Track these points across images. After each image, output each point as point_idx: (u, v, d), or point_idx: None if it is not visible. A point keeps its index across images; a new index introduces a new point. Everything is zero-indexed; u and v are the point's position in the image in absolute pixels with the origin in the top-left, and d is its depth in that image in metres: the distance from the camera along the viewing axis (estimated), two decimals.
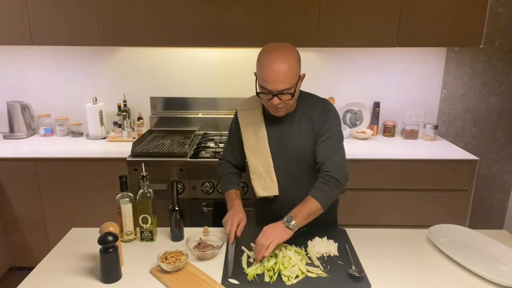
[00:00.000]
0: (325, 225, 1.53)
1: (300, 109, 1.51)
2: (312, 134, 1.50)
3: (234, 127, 1.64)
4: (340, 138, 1.51)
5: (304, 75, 1.45)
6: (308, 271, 1.25)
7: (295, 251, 1.33)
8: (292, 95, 1.40)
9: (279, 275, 1.23)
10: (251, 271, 1.23)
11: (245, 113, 1.60)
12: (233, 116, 1.68)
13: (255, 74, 1.46)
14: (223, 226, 1.56)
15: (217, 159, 1.76)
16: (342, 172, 1.44)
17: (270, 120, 1.54)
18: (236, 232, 1.41)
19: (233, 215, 1.46)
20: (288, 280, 1.20)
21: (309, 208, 1.36)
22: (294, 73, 1.38)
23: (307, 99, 1.53)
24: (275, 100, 1.39)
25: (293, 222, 1.32)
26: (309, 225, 1.56)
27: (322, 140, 1.47)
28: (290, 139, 1.51)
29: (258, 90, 1.43)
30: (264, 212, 1.64)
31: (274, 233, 1.29)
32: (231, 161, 1.68)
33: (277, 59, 1.35)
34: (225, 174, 1.66)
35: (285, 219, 1.33)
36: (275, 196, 1.54)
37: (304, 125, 1.50)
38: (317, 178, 1.45)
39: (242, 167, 1.70)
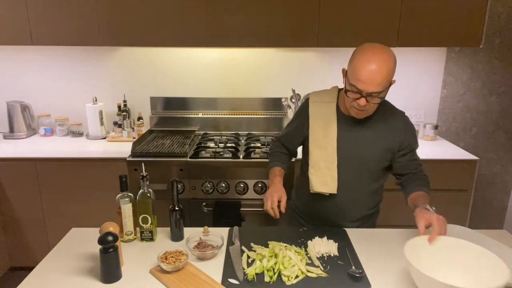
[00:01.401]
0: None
1: (377, 115, 1.46)
2: (385, 144, 1.48)
3: (301, 116, 1.59)
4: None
5: (394, 81, 1.39)
6: (308, 271, 1.25)
7: (295, 251, 1.33)
8: (382, 99, 1.37)
9: (279, 275, 1.23)
10: (251, 271, 1.23)
11: (317, 105, 1.55)
12: (301, 105, 1.66)
13: (343, 70, 1.44)
14: (223, 226, 1.56)
15: (272, 139, 1.79)
16: None
17: (343, 118, 1.50)
18: (280, 208, 1.44)
19: (273, 191, 1.47)
20: (288, 280, 1.20)
21: (428, 199, 1.41)
22: (389, 78, 1.34)
23: (386, 106, 1.49)
24: (362, 101, 1.33)
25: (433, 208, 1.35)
26: (310, 225, 1.56)
27: (407, 155, 1.51)
28: (361, 141, 1.48)
29: (347, 88, 1.38)
30: (313, 208, 1.62)
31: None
32: (285, 143, 1.69)
33: (375, 61, 1.30)
34: (275, 152, 1.69)
35: (427, 206, 1.34)
36: (330, 194, 1.52)
37: (379, 132, 1.47)
38: (418, 177, 1.50)
39: (293, 153, 1.72)
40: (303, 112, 1.59)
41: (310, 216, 1.66)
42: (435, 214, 1.27)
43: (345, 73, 1.43)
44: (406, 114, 1.55)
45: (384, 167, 1.53)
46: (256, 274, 1.23)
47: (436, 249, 1.22)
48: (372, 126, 1.48)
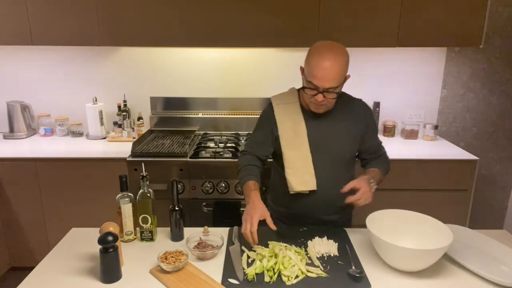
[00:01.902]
0: (339, 226, 1.57)
1: (339, 106, 1.54)
2: (352, 131, 1.55)
3: (267, 121, 1.60)
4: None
5: (349, 76, 1.47)
6: (308, 271, 1.25)
7: (295, 251, 1.33)
8: (338, 94, 1.44)
9: (279, 275, 1.23)
10: (251, 271, 1.23)
11: (282, 107, 1.58)
12: (263, 110, 1.66)
13: (301, 68, 1.50)
14: (223, 226, 1.56)
15: (240, 153, 1.68)
16: None
17: (309, 115, 1.55)
18: (269, 226, 1.36)
19: (252, 210, 1.35)
20: (288, 280, 1.20)
21: (380, 176, 1.54)
22: (343, 73, 1.41)
23: (343, 96, 1.57)
24: (319, 97, 1.41)
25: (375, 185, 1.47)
26: (309, 225, 1.56)
27: (372, 137, 1.63)
28: (329, 134, 1.54)
29: (304, 85, 1.45)
30: (293, 208, 1.60)
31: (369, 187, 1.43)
32: (256, 152, 1.61)
33: (329, 57, 1.38)
34: (245, 166, 1.58)
35: (371, 180, 1.46)
36: (309, 191, 1.53)
37: (342, 122, 1.54)
38: (376, 158, 1.63)
39: (265, 161, 1.66)
40: (268, 117, 1.60)
41: (289, 217, 1.63)
42: (366, 186, 1.41)
43: (302, 71, 1.49)
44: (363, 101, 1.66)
45: (354, 154, 1.61)
46: (256, 274, 1.23)
47: (395, 221, 1.41)
48: (337, 117, 1.55)
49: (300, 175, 1.52)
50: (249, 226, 1.31)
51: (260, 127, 1.65)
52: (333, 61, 1.38)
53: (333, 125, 1.54)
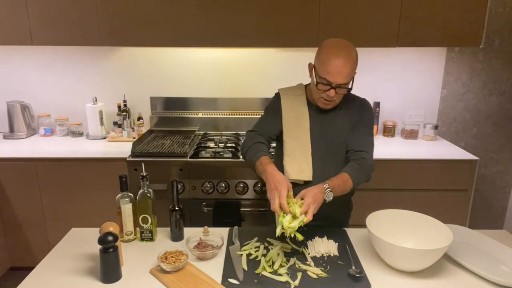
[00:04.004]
0: (337, 224, 1.58)
1: (341, 104, 1.57)
2: (349, 126, 1.57)
3: (273, 109, 1.64)
4: (372, 132, 1.62)
5: (355, 73, 1.49)
6: (308, 271, 1.25)
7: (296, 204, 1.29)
8: (348, 90, 1.47)
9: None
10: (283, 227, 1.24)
11: (289, 98, 1.63)
12: (272, 99, 1.69)
13: (310, 65, 1.54)
14: (223, 226, 1.56)
15: (247, 132, 1.66)
16: (373, 164, 1.55)
17: (313, 109, 1.60)
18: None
19: (277, 183, 1.31)
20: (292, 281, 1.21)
21: (343, 182, 1.41)
22: (354, 69, 1.45)
23: (348, 94, 1.57)
24: (332, 92, 1.44)
25: (331, 193, 1.36)
26: (308, 225, 1.55)
27: (357, 130, 1.57)
28: (329, 130, 1.57)
29: (317, 80, 1.46)
30: None
31: (317, 197, 1.32)
32: (263, 131, 1.61)
33: (343, 54, 1.42)
34: (252, 144, 1.54)
35: (325, 187, 1.35)
36: (304, 182, 1.54)
37: (343, 118, 1.58)
38: (352, 160, 1.51)
39: (270, 143, 1.65)
40: (275, 106, 1.65)
41: None
42: (310, 197, 1.28)
43: (312, 67, 1.53)
44: (367, 100, 1.65)
45: None
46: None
47: (395, 221, 1.41)
48: (339, 114, 1.59)
49: (298, 165, 1.54)
50: (277, 200, 1.27)
51: (267, 114, 1.68)
52: (346, 57, 1.41)
53: (335, 121, 1.58)
